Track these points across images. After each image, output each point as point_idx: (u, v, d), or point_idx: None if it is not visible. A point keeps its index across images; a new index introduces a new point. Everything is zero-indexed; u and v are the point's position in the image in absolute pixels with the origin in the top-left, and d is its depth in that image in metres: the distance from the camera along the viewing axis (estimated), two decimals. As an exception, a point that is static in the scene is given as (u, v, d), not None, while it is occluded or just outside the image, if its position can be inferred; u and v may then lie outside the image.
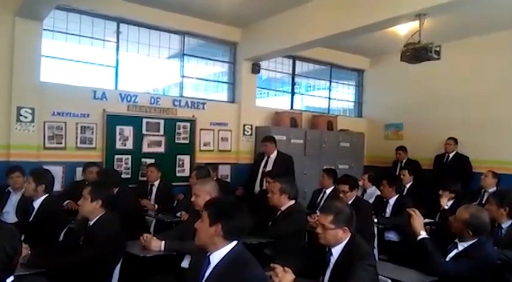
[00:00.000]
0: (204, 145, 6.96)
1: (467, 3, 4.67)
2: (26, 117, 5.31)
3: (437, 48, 4.74)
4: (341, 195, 4.46)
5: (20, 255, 1.55)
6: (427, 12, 4.62)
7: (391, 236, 4.79)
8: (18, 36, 5.23)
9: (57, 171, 5.39)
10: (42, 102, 5.46)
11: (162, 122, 6.48)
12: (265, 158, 6.23)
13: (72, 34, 5.93)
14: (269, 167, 6.04)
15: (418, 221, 3.03)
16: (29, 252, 2.67)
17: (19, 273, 1.68)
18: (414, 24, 4.93)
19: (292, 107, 8.25)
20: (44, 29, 5.52)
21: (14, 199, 4.61)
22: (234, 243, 2.12)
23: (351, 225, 2.58)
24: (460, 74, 7.16)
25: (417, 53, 4.77)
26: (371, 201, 5.24)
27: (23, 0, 4.82)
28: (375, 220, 4.56)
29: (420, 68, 5.41)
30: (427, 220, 4.08)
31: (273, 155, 6.19)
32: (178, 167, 6.68)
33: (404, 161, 7.43)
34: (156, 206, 5.28)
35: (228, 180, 6.94)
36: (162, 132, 6.49)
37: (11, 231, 1.52)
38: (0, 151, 5.21)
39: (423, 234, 2.97)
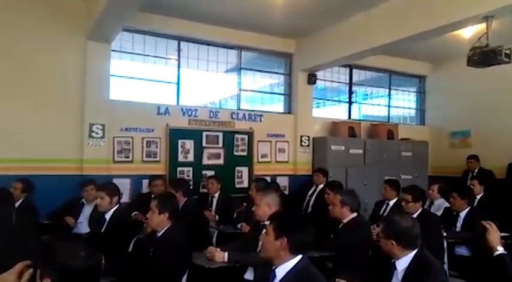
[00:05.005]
0: (262, 157, 7.03)
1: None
2: (97, 133, 5.67)
3: (508, 51, 4.47)
4: (403, 203, 4.29)
5: (102, 266, 1.65)
6: (495, 14, 4.38)
7: (462, 250, 4.51)
8: (90, 58, 5.63)
9: (125, 184, 5.73)
10: (111, 119, 5.81)
11: (220, 134, 6.64)
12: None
13: (137, 54, 6.30)
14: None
15: (495, 235, 2.81)
16: (103, 262, 2.81)
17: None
18: (479, 27, 4.69)
19: (349, 117, 8.11)
20: (112, 50, 5.90)
21: (87, 211, 4.91)
22: (300, 257, 2.11)
23: (401, 240, 2.45)
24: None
25: (485, 56, 4.53)
26: (439, 213, 4.97)
27: (94, 25, 5.19)
28: (444, 234, 4.33)
29: (486, 72, 5.10)
30: (502, 234, 3.80)
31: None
32: (237, 178, 6.79)
33: (476, 170, 7.00)
34: (217, 217, 5.39)
35: (286, 191, 6.92)
36: (221, 144, 6.65)
37: (87, 243, 1.61)
38: (75, 165, 5.59)
39: (500, 249, 2.77)
